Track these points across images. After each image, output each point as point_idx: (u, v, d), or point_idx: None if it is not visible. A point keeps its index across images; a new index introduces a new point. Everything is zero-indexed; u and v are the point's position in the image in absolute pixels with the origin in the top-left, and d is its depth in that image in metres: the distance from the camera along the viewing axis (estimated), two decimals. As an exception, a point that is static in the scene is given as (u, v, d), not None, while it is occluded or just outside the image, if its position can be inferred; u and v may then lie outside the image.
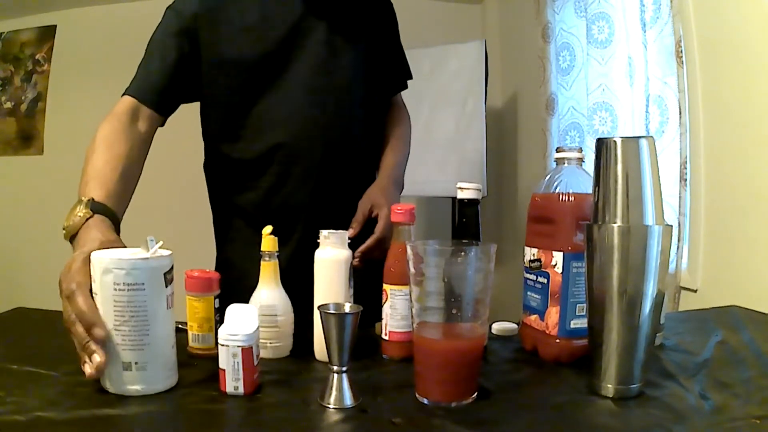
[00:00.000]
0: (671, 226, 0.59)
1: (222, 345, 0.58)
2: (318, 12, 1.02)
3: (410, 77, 1.26)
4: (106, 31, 3.06)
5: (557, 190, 0.71)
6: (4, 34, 3.21)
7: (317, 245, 0.72)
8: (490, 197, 2.79)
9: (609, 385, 0.60)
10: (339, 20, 1.04)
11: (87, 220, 0.72)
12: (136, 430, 0.53)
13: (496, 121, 2.93)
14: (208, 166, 1.12)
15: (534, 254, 0.73)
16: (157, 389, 0.58)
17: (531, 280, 0.74)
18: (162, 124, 1.01)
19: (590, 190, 0.62)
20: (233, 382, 0.58)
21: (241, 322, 0.60)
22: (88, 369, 0.56)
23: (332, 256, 0.71)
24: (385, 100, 1.22)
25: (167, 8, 1.01)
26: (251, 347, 0.58)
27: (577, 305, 0.69)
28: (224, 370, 0.58)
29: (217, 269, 0.98)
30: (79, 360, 0.58)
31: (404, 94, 1.28)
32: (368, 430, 0.54)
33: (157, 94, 0.97)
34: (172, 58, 0.97)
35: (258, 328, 0.61)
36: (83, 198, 0.75)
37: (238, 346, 0.58)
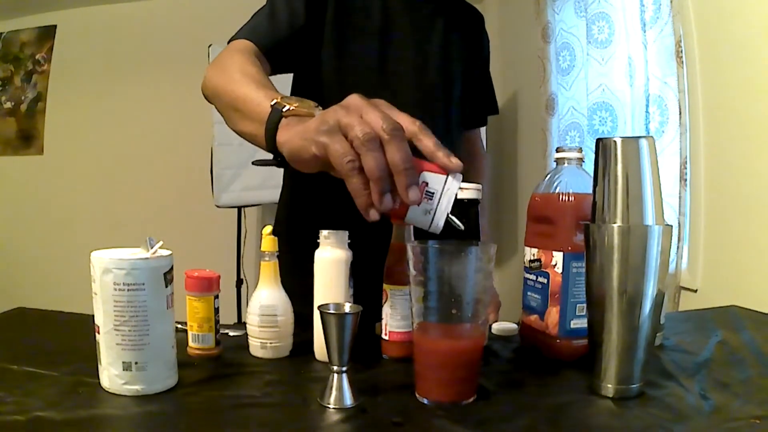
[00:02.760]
0: (671, 226, 0.59)
1: None
2: (439, 14, 1.02)
3: (495, 112, 1.24)
4: (106, 31, 3.06)
5: (557, 190, 0.71)
6: (4, 34, 3.21)
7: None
8: (490, 197, 2.79)
9: (609, 385, 0.60)
10: (453, 29, 1.05)
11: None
12: (136, 430, 0.53)
13: (496, 121, 2.93)
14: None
15: (534, 254, 0.73)
16: (157, 389, 0.58)
17: (531, 280, 0.74)
18: None
19: (590, 190, 0.62)
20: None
21: None
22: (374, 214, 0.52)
23: (332, 256, 0.71)
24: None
25: None
26: None
27: (577, 305, 0.69)
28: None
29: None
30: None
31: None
32: (368, 430, 0.54)
33: (280, 48, 0.90)
34: (299, 20, 0.92)
35: None
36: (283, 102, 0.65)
37: None
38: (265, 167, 0.67)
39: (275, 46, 0.90)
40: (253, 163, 0.68)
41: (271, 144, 0.62)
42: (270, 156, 0.64)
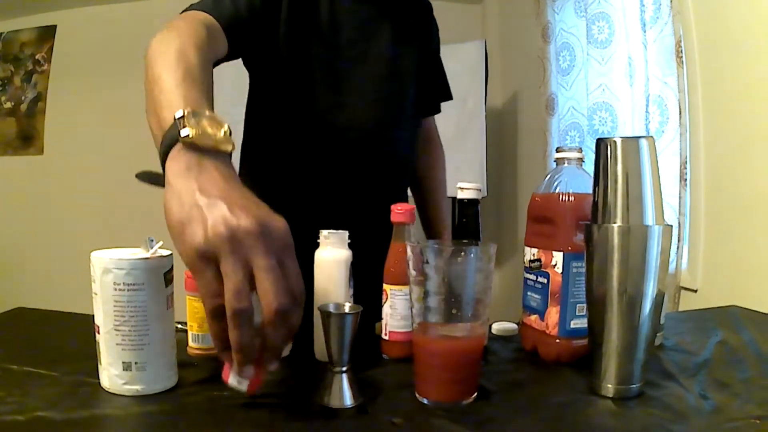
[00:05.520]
0: (671, 226, 0.59)
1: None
2: (385, 14, 1.03)
3: (449, 98, 1.26)
4: (106, 31, 3.06)
5: (557, 190, 0.71)
6: (4, 34, 3.21)
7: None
8: (490, 197, 2.79)
9: (609, 385, 0.60)
10: (401, 25, 1.05)
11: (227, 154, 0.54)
12: (136, 430, 0.53)
13: (496, 121, 2.93)
14: (249, 152, 1.06)
15: (534, 254, 0.73)
16: (157, 389, 0.58)
17: (531, 280, 0.74)
18: (215, 65, 0.80)
19: (590, 190, 0.63)
20: (236, 376, 0.54)
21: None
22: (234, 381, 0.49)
23: (332, 256, 0.71)
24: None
25: None
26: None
27: (577, 305, 0.69)
28: (229, 363, 0.54)
29: None
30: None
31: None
32: (368, 430, 0.53)
33: (240, 27, 0.86)
34: (256, 6, 0.89)
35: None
36: (200, 109, 0.55)
37: None
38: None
39: (236, 23, 0.85)
40: (136, 176, 0.58)
41: (162, 165, 0.54)
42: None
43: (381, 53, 1.03)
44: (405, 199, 1.13)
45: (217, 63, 0.81)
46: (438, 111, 1.27)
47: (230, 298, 0.45)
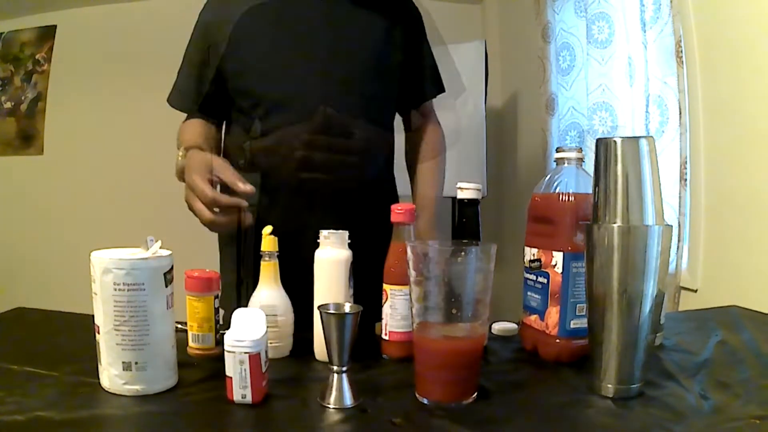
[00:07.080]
0: (671, 226, 0.59)
1: (228, 351, 0.56)
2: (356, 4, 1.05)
3: (441, 90, 1.24)
4: (106, 31, 3.06)
5: (557, 190, 0.71)
6: (4, 34, 3.21)
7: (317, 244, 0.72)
8: (490, 197, 2.79)
9: (609, 385, 0.60)
10: (375, 13, 1.07)
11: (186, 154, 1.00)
12: (136, 430, 0.53)
13: (496, 121, 2.93)
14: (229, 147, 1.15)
15: (534, 254, 0.73)
16: (157, 389, 0.59)
17: (531, 280, 0.74)
18: (220, 125, 1.14)
19: (590, 190, 0.62)
20: (240, 390, 0.56)
21: (248, 327, 0.58)
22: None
23: (332, 256, 0.71)
24: (404, 110, 1.21)
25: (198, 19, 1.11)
26: (259, 353, 0.56)
27: (577, 305, 0.69)
28: (231, 378, 0.56)
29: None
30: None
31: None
32: (368, 430, 0.54)
33: (208, 100, 1.09)
34: (204, 70, 1.07)
35: (266, 332, 0.59)
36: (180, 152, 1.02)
37: (245, 353, 0.56)
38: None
39: (205, 101, 1.10)
40: None
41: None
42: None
43: (350, 49, 1.04)
44: (392, 191, 1.15)
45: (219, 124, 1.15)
46: (430, 97, 1.24)
47: (200, 218, 0.89)
